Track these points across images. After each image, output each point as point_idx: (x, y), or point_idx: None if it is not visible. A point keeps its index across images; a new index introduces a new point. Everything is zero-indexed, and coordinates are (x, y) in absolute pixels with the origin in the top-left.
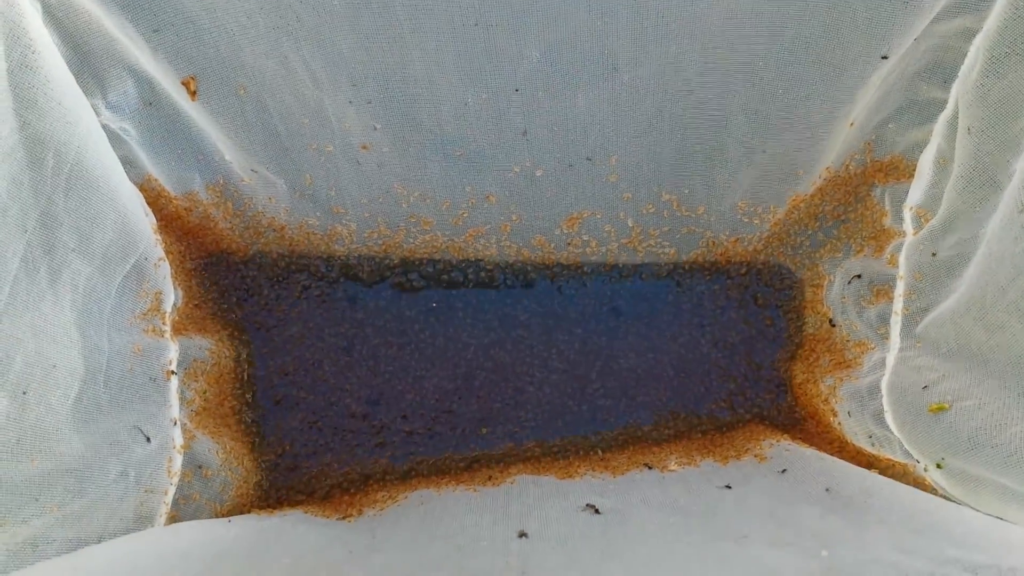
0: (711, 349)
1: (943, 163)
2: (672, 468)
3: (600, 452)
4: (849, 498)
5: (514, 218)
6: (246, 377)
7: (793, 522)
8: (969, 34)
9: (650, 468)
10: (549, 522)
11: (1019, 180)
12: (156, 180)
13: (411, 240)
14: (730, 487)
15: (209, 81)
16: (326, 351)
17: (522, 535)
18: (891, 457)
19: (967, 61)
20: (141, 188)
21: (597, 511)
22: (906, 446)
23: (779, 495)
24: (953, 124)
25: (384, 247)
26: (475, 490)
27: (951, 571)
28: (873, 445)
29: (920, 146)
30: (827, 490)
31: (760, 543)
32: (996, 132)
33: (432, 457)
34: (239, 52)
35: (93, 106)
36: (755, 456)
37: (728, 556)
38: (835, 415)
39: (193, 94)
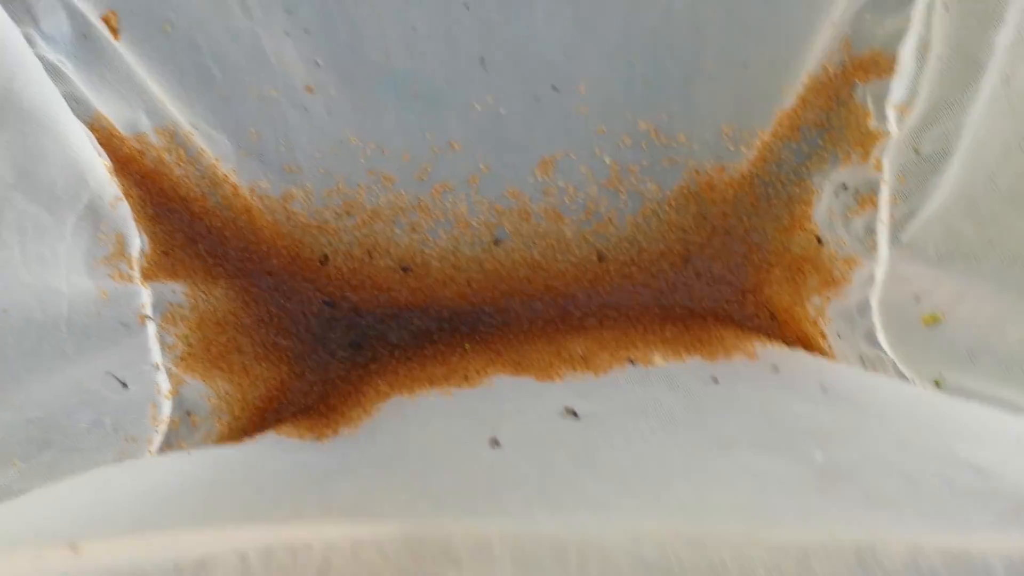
0: (694, 280)
1: (924, 51)
2: (657, 363)
3: (581, 351)
4: (846, 395)
5: (482, 167)
6: (228, 320)
7: (785, 422)
8: None
9: (634, 363)
10: (524, 428)
11: (1002, 51)
12: (106, 119)
13: (375, 198)
14: (717, 381)
15: (133, 17)
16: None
17: (494, 443)
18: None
19: None
20: (91, 127)
21: (576, 415)
22: (900, 366)
23: (770, 392)
24: (931, 5)
25: (346, 207)
26: (450, 394)
27: (956, 472)
28: (865, 368)
29: (899, 35)
30: (822, 387)
31: (748, 448)
32: (975, 4)
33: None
34: None
35: (27, 36)
36: (745, 354)
37: (713, 465)
38: (824, 337)
39: (115, 32)
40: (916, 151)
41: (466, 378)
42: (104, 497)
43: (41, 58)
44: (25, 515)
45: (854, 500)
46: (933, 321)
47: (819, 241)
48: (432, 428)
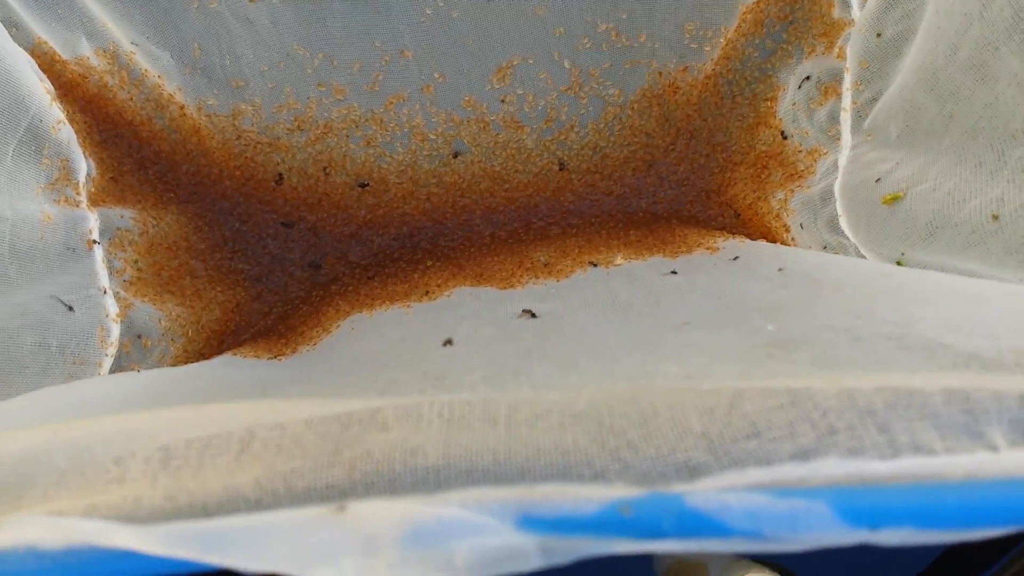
0: (658, 185)
1: None
2: (618, 263)
3: (544, 259)
4: (804, 274)
5: (437, 76)
6: (180, 245)
7: (740, 302)
8: None
9: (595, 266)
10: (479, 329)
11: None
12: (47, 43)
13: (325, 113)
14: (676, 272)
15: None
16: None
17: (447, 343)
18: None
19: None
20: (32, 53)
21: (534, 315)
22: (862, 250)
23: (728, 278)
24: None
25: (297, 123)
26: (409, 307)
27: (904, 331)
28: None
29: None
30: (780, 270)
31: (701, 328)
32: None
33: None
34: None
35: None
36: (707, 249)
37: (663, 341)
38: (788, 230)
39: None
40: (878, 35)
41: (427, 293)
42: (52, 410)
43: None
44: None
45: (801, 363)
46: (893, 200)
47: (783, 136)
48: (389, 337)
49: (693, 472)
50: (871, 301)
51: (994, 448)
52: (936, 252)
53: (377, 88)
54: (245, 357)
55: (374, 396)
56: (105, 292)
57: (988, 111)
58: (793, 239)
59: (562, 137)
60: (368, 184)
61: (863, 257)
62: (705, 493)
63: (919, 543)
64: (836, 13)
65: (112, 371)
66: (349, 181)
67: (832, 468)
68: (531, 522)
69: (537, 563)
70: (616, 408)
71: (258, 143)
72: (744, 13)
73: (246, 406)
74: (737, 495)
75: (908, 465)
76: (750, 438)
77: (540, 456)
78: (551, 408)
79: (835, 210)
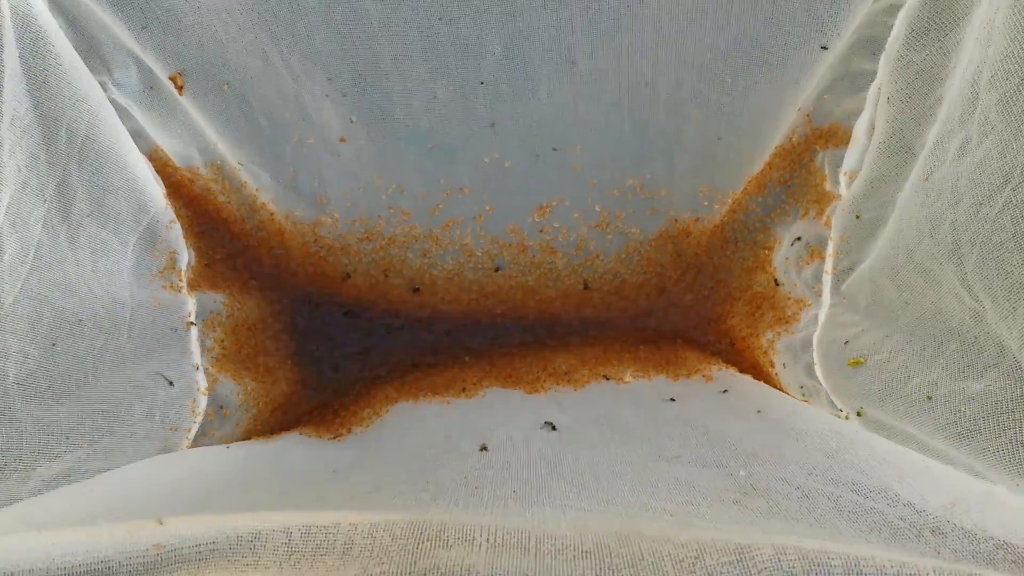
0: (668, 308)
1: (872, 131)
2: (627, 380)
3: (565, 367)
4: (776, 421)
5: (487, 208)
6: (258, 327)
7: (722, 441)
8: (895, 9)
9: (608, 379)
10: (508, 438)
11: (928, 150)
12: (163, 151)
13: (391, 229)
14: (674, 400)
15: (196, 77)
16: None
17: (483, 448)
18: (819, 407)
19: (892, 34)
20: (150, 158)
21: (554, 428)
22: (831, 396)
23: (716, 413)
24: (878, 95)
25: (367, 234)
26: (448, 402)
27: (843, 492)
28: (804, 395)
29: (855, 114)
30: (758, 411)
31: (688, 463)
32: (912, 102)
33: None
34: (222, 49)
35: (102, 83)
36: (703, 376)
37: (658, 476)
38: (773, 366)
39: (180, 89)
40: (857, 216)
41: (463, 389)
42: (160, 481)
43: (112, 101)
44: (99, 494)
45: (760, 511)
46: (856, 364)
47: (776, 283)
48: (433, 431)
49: None
50: (822, 458)
51: None
52: (886, 414)
53: (437, 214)
54: (310, 437)
55: (428, 501)
56: (198, 368)
57: (933, 308)
58: (777, 375)
59: (588, 263)
60: (420, 288)
61: (832, 402)
62: None
63: None
64: (827, 186)
65: (197, 436)
66: (404, 284)
67: None
68: None
69: None
70: (613, 550)
71: (332, 247)
72: (750, 179)
73: (343, 513)
74: None
75: None
76: None
77: None
78: (567, 544)
79: (812, 358)
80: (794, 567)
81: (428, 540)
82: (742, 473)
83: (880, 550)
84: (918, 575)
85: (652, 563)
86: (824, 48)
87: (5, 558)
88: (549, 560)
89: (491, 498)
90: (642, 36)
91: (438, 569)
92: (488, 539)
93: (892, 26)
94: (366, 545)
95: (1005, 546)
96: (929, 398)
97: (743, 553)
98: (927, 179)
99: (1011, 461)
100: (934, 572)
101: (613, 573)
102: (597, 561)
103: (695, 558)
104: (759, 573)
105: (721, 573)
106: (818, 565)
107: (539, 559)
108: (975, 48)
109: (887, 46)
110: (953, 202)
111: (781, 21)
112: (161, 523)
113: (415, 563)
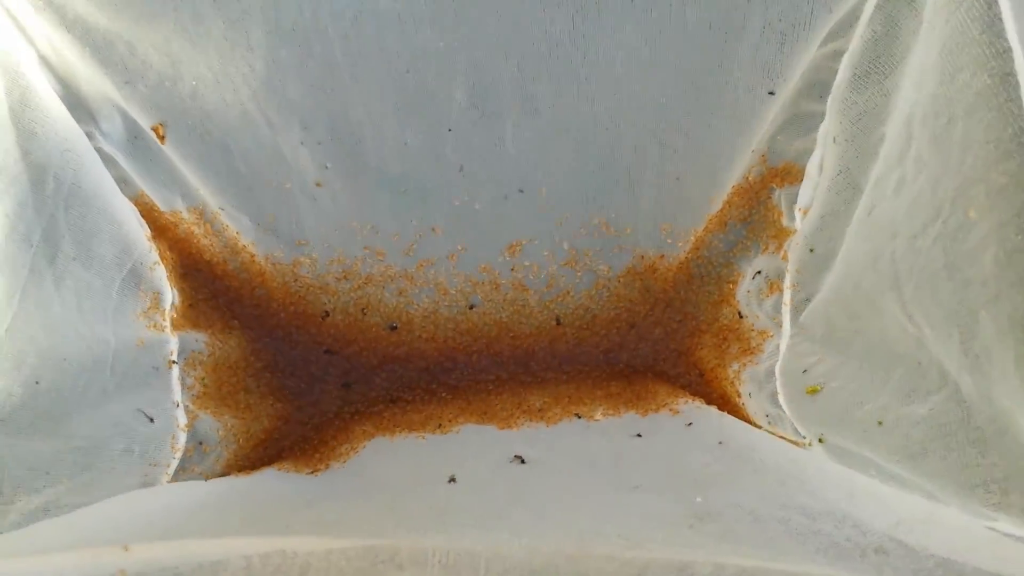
0: (638, 343)
1: (823, 168)
2: (597, 418)
3: (539, 404)
4: (736, 451)
5: (459, 248)
6: (239, 365)
7: (683, 471)
8: (838, 55)
9: (579, 417)
10: (477, 471)
11: (870, 186)
12: (148, 196)
13: (368, 268)
14: (641, 436)
15: (177, 127)
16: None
17: (451, 480)
18: (783, 435)
19: (837, 78)
20: (136, 202)
21: (523, 461)
22: (794, 423)
23: (680, 445)
24: (827, 135)
25: (344, 274)
26: (423, 437)
27: (793, 515)
28: (770, 423)
29: (807, 153)
30: (720, 442)
31: (649, 491)
32: (857, 142)
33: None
34: (202, 101)
35: (88, 133)
36: (670, 410)
37: (617, 504)
38: (739, 396)
39: (162, 139)
40: (811, 249)
41: (439, 426)
42: (136, 513)
43: (98, 150)
44: (75, 527)
45: (711, 535)
46: (814, 392)
47: (740, 315)
48: (405, 466)
49: None
50: (775, 484)
51: None
52: (844, 439)
53: (411, 254)
54: (288, 472)
55: (391, 527)
56: (178, 405)
57: (880, 336)
58: (743, 404)
59: (560, 299)
60: (397, 326)
61: (796, 429)
62: None
63: None
64: (784, 222)
65: (176, 471)
66: (382, 322)
67: None
68: None
69: None
70: (561, 568)
71: (311, 286)
72: (710, 218)
73: (300, 539)
74: None
75: None
76: None
77: None
78: (516, 564)
79: (775, 387)
80: None
81: (382, 562)
82: (698, 499)
83: (821, 568)
84: None
85: None
86: (771, 93)
87: None
88: None
89: (451, 524)
90: (601, 85)
91: None
92: (440, 560)
93: (837, 70)
94: (321, 567)
95: (946, 563)
96: (880, 423)
97: (683, 569)
98: (870, 214)
99: (957, 482)
100: None
101: None
102: None
103: (638, 575)
104: None
105: None
106: None
107: None
108: (911, 89)
109: (833, 89)
110: (892, 235)
111: (730, 69)
112: (126, 549)
113: None
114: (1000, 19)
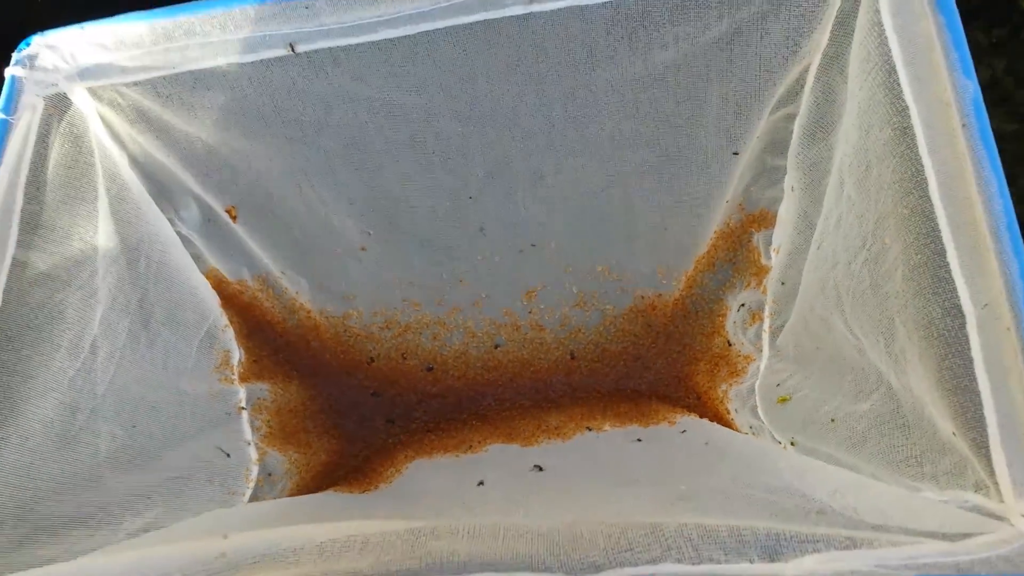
0: (643, 371)
1: (788, 212)
2: (605, 429)
3: (555, 424)
4: (719, 448)
5: (484, 296)
6: (299, 409)
7: (671, 466)
8: (791, 118)
9: (590, 430)
10: (502, 476)
11: (820, 225)
12: (217, 270)
13: (406, 317)
14: (640, 440)
15: (246, 208)
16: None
17: (480, 483)
18: (763, 440)
19: (792, 137)
20: (207, 276)
21: (541, 469)
22: (772, 431)
23: (672, 447)
24: (789, 186)
25: (386, 323)
26: (458, 456)
27: (756, 492)
28: (753, 433)
29: (777, 200)
30: (706, 443)
31: (644, 484)
32: (810, 189)
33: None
34: (266, 186)
35: (169, 219)
36: (668, 422)
37: (616, 495)
38: (728, 412)
39: (234, 218)
40: (783, 283)
41: (470, 447)
42: (225, 521)
43: (178, 233)
44: (175, 532)
45: (686, 509)
46: (784, 401)
47: (729, 344)
48: (442, 476)
49: (596, 568)
50: (747, 471)
51: (750, 561)
52: (809, 439)
53: (442, 303)
54: (343, 493)
55: (431, 517)
56: (249, 443)
57: (834, 349)
58: (732, 419)
59: (573, 336)
60: (433, 367)
61: (773, 436)
62: None
63: None
64: (763, 260)
65: (251, 499)
66: (419, 364)
67: (666, 569)
68: None
69: None
70: (562, 532)
71: (358, 335)
72: (698, 259)
73: (361, 523)
74: None
75: (704, 569)
76: (626, 551)
77: (518, 558)
78: (527, 530)
79: (755, 402)
80: (691, 534)
81: (423, 536)
82: (682, 487)
83: (765, 521)
84: (782, 533)
85: (589, 539)
86: (736, 153)
87: (99, 567)
88: (512, 543)
89: (478, 512)
90: (592, 157)
91: (430, 554)
92: (468, 532)
93: (792, 130)
94: (377, 543)
95: (876, 526)
96: (832, 420)
97: (655, 528)
98: (819, 248)
99: (888, 461)
100: (765, 534)
101: (558, 548)
102: (548, 541)
103: (620, 533)
104: (665, 539)
105: (638, 541)
106: (710, 532)
107: (505, 543)
108: (843, 143)
109: (790, 147)
110: (833, 264)
111: (698, 137)
112: (225, 537)
113: (413, 551)
114: (899, 84)
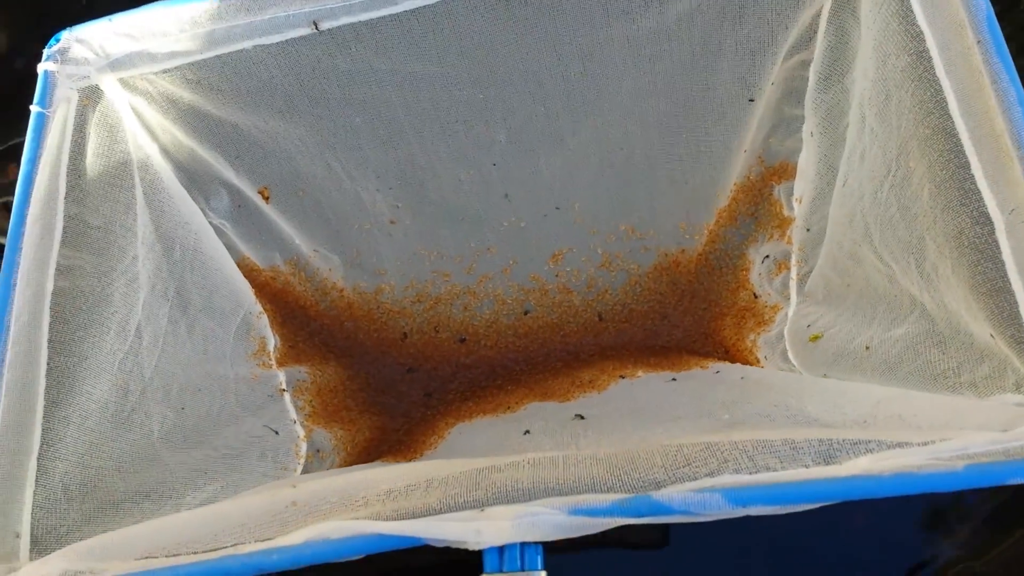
0: (670, 329)
1: (808, 159)
2: (639, 375)
3: (589, 378)
4: (756, 381)
5: (512, 262)
6: (338, 389)
7: (712, 400)
8: (806, 64)
9: (624, 378)
10: (546, 425)
11: (843, 164)
12: (249, 258)
13: (438, 289)
14: (675, 379)
15: (277, 188)
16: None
17: (526, 432)
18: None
19: (808, 83)
20: (239, 264)
21: (583, 417)
22: (800, 370)
23: (709, 384)
24: (808, 132)
25: (418, 297)
26: (497, 416)
27: (798, 415)
28: None
29: (797, 151)
30: (742, 378)
31: (686, 418)
32: (829, 132)
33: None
34: (296, 165)
35: (201, 210)
36: (700, 367)
37: (663, 428)
38: (758, 360)
39: (267, 199)
40: (808, 229)
41: (508, 408)
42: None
43: (211, 223)
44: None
45: (735, 433)
46: (816, 339)
47: (755, 296)
48: (486, 434)
49: (658, 484)
50: (785, 397)
51: (806, 466)
52: (841, 371)
53: (471, 272)
54: (389, 463)
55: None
56: (295, 422)
57: (864, 283)
58: (762, 366)
59: (600, 298)
60: (465, 339)
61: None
62: (662, 493)
63: (767, 512)
64: (785, 212)
65: (302, 473)
66: (452, 336)
67: (725, 479)
68: (577, 511)
69: (579, 533)
70: (620, 456)
71: (390, 311)
72: (720, 213)
73: (423, 466)
74: (679, 494)
75: (762, 477)
76: (685, 466)
77: (580, 481)
78: (585, 457)
79: (785, 347)
80: (746, 446)
81: (486, 471)
82: (725, 416)
83: (813, 430)
84: (834, 440)
85: (646, 459)
86: (752, 100)
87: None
88: (572, 469)
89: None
90: (611, 115)
91: (494, 484)
92: (529, 463)
93: (807, 77)
94: (443, 480)
95: (920, 427)
96: (867, 348)
97: (710, 445)
98: (844, 185)
99: (923, 378)
100: (818, 441)
101: (618, 470)
102: (607, 464)
103: (677, 451)
104: (721, 453)
105: (695, 456)
106: (763, 444)
107: (565, 469)
108: (860, 80)
109: (806, 94)
110: (860, 196)
111: (714, 85)
112: (294, 487)
113: (478, 484)
114: (912, 11)
